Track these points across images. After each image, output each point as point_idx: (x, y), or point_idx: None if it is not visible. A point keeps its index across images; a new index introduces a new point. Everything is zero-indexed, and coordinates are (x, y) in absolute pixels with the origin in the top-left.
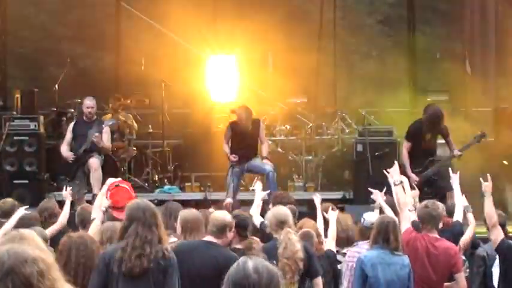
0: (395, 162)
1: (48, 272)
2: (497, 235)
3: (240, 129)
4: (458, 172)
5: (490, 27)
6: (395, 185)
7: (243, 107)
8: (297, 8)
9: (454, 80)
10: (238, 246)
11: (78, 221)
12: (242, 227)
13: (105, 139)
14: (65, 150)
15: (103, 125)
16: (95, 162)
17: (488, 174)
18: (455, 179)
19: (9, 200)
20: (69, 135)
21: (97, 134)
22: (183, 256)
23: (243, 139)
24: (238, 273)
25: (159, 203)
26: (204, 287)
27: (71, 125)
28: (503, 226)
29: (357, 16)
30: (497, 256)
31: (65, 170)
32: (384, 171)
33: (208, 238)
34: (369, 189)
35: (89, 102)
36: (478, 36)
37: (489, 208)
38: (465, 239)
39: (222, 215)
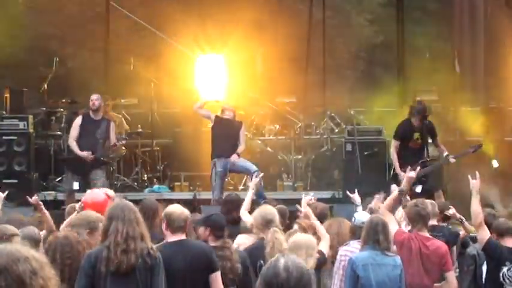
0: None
1: (41, 270)
2: (484, 234)
3: (223, 124)
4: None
5: (479, 26)
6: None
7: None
8: (286, 7)
9: (443, 79)
10: (214, 244)
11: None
12: (216, 227)
13: (113, 138)
14: (77, 148)
15: (117, 140)
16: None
17: (477, 172)
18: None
19: None
20: (75, 132)
21: (119, 143)
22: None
23: (226, 135)
24: (269, 271)
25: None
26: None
27: (78, 120)
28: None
29: (346, 15)
30: None
31: (73, 167)
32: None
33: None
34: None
35: (94, 96)
36: (467, 35)
37: (475, 207)
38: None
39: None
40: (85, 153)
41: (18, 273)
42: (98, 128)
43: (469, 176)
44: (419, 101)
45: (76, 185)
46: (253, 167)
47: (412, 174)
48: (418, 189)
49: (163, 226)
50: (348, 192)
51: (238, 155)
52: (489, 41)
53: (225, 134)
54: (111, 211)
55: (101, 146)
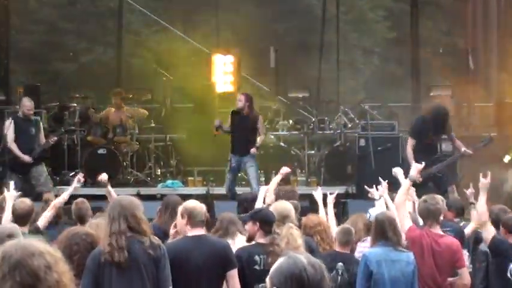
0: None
1: (55, 265)
2: (489, 233)
3: (237, 120)
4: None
5: (493, 22)
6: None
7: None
8: (300, 2)
9: (456, 74)
10: (262, 240)
11: (76, 217)
12: (266, 222)
13: (42, 139)
14: (18, 150)
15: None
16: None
17: (488, 172)
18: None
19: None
20: (11, 134)
21: (55, 138)
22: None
23: (240, 131)
24: (292, 267)
25: (162, 197)
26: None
27: (10, 123)
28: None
29: (359, 11)
30: None
31: (14, 166)
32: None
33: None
34: (380, 179)
35: (28, 104)
36: (480, 31)
37: (482, 206)
38: (466, 233)
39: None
40: (26, 158)
41: (33, 268)
42: (32, 126)
43: (480, 174)
44: (437, 108)
45: (11, 185)
46: (256, 186)
47: (419, 165)
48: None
49: (183, 221)
50: (366, 187)
51: (257, 148)
52: (502, 36)
53: (240, 129)
54: (113, 206)
55: (38, 144)
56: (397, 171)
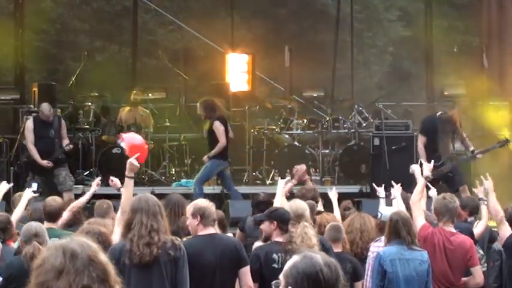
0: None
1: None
2: (505, 231)
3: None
4: (490, 178)
5: (508, 20)
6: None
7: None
8: (315, 2)
9: (471, 73)
10: (279, 239)
11: (97, 214)
12: (283, 220)
13: (65, 135)
14: (37, 154)
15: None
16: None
17: (487, 174)
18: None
19: None
20: (31, 136)
21: (71, 146)
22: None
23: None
24: (309, 266)
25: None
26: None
27: (30, 124)
28: None
29: (374, 10)
30: None
31: (35, 168)
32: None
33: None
34: (392, 183)
35: (47, 111)
36: (495, 29)
37: (493, 204)
38: (478, 232)
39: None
40: (44, 163)
41: (104, 263)
42: (51, 128)
43: (482, 177)
44: (445, 116)
45: (34, 186)
46: (197, 187)
47: (430, 165)
48: (431, 192)
49: (195, 221)
50: (374, 185)
51: (209, 157)
52: None
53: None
54: (135, 204)
55: (58, 146)
56: (415, 168)
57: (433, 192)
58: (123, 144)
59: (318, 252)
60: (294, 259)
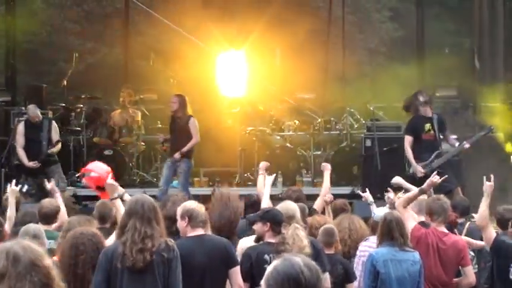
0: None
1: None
2: (490, 234)
3: (173, 122)
4: (493, 178)
5: (499, 22)
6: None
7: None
8: (306, 3)
9: (462, 75)
10: (272, 240)
11: (98, 216)
12: (276, 222)
13: (55, 138)
14: (25, 157)
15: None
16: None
17: (491, 175)
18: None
19: None
20: (21, 139)
21: (54, 150)
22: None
23: (175, 132)
24: (289, 268)
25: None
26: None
27: (21, 128)
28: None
29: (365, 12)
30: None
31: (26, 170)
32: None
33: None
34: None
35: (34, 113)
36: (486, 31)
37: (483, 209)
38: (473, 244)
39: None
40: (31, 164)
41: (48, 268)
42: (41, 131)
43: (484, 177)
44: (421, 92)
45: (25, 187)
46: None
47: (436, 179)
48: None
49: (183, 223)
50: (359, 192)
51: (183, 154)
52: (509, 36)
53: (174, 132)
54: (130, 207)
55: (45, 149)
56: (398, 181)
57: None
58: (87, 182)
59: (298, 255)
60: (274, 263)
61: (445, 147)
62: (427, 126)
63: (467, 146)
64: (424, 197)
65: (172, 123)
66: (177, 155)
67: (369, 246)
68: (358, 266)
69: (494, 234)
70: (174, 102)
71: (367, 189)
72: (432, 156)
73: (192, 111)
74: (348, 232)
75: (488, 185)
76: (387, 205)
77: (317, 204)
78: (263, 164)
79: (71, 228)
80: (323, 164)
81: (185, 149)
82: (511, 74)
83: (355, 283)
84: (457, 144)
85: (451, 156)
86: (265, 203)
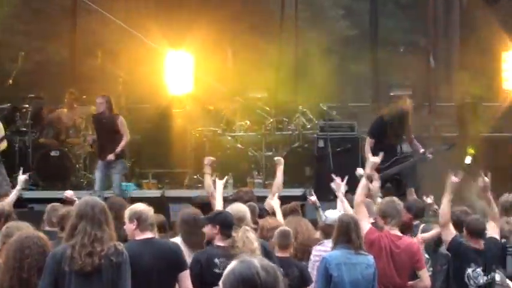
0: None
1: None
2: (448, 234)
3: (99, 123)
4: (456, 178)
5: (455, 20)
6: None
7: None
8: (258, 2)
9: (417, 74)
10: (221, 244)
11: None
12: (226, 225)
13: None
14: None
15: None
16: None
17: (460, 171)
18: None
19: None
20: None
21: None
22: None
23: (103, 133)
24: (246, 270)
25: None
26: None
27: None
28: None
29: (318, 9)
30: None
31: None
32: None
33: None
34: (333, 177)
35: None
36: (442, 29)
37: (445, 206)
38: (428, 236)
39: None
40: None
41: None
42: None
43: (451, 173)
44: (396, 108)
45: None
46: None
47: (376, 159)
48: (375, 184)
49: (132, 225)
50: (309, 199)
51: (117, 154)
52: (464, 34)
53: (102, 133)
54: (81, 209)
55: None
56: (361, 172)
57: (376, 184)
58: None
59: (256, 257)
60: (231, 264)
61: (405, 150)
62: (391, 132)
63: (430, 157)
64: (378, 200)
65: (97, 123)
66: (111, 157)
67: (323, 251)
68: (313, 271)
69: (453, 234)
70: (102, 103)
71: (313, 193)
72: (391, 161)
73: (140, 110)
74: (294, 235)
75: (453, 180)
76: (338, 208)
77: (267, 204)
78: (208, 160)
79: (9, 233)
80: (276, 158)
81: (119, 149)
82: (466, 73)
83: (311, 286)
84: (421, 150)
85: (409, 166)
86: (219, 205)
